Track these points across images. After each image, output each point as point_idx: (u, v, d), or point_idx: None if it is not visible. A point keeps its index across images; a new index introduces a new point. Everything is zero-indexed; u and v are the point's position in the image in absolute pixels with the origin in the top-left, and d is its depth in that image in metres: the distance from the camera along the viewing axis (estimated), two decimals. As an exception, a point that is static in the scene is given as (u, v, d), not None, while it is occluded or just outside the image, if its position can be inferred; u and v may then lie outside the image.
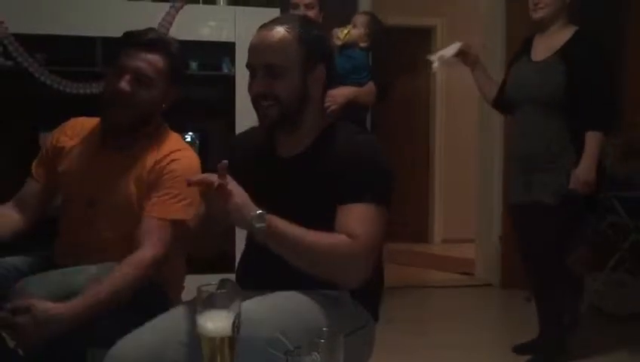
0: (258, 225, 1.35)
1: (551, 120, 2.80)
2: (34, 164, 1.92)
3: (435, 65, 3.04)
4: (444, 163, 6.44)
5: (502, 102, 3.08)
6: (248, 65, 1.54)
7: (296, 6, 3.28)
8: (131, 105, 1.74)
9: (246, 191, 1.38)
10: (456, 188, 6.21)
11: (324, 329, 1.13)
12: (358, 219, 1.44)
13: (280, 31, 1.51)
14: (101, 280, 1.61)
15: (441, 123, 6.45)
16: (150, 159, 1.78)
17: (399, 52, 6.47)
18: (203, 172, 1.54)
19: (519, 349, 3.08)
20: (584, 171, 2.74)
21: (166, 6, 3.70)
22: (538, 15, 2.86)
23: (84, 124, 1.91)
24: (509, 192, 3.04)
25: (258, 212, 1.35)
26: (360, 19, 3.48)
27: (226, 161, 1.34)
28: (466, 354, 3.13)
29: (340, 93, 3.24)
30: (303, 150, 1.56)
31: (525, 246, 3.02)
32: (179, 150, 1.80)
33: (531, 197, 2.86)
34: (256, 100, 1.53)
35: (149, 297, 1.67)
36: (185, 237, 1.69)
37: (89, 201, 1.79)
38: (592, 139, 2.75)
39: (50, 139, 1.92)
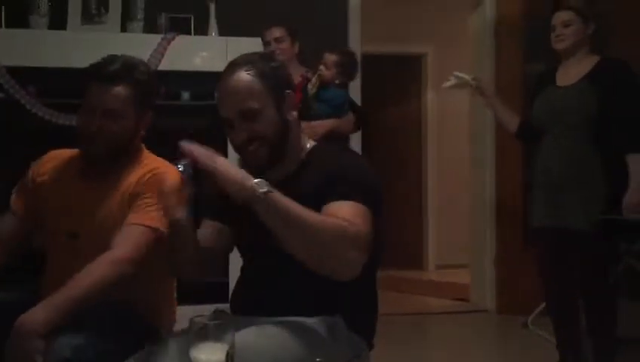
0: (260, 191, 1.30)
1: (583, 144, 2.81)
2: (12, 198, 1.91)
3: (449, 83, 3.14)
4: (437, 188, 6.45)
5: (527, 131, 3.10)
6: (223, 119, 1.55)
7: (267, 44, 3.36)
8: (103, 140, 1.76)
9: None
10: (450, 214, 6.21)
11: (318, 360, 1.11)
12: (349, 210, 1.42)
13: (241, 75, 1.53)
14: (75, 278, 1.61)
15: (434, 149, 6.47)
16: (132, 179, 1.80)
17: (390, 80, 6.55)
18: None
19: None
20: (635, 194, 2.71)
21: (158, 37, 3.73)
22: (560, 46, 2.93)
23: (62, 156, 1.92)
24: (532, 216, 3.01)
25: (257, 180, 1.32)
26: (329, 59, 3.51)
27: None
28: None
29: (320, 125, 3.32)
30: (292, 171, 1.59)
31: (550, 270, 2.98)
32: (160, 167, 1.81)
33: (561, 222, 2.84)
34: (243, 148, 1.54)
35: (136, 330, 1.66)
36: (163, 249, 1.68)
37: (72, 234, 1.80)
38: (638, 162, 2.73)
39: (29, 172, 1.92)
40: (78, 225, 1.79)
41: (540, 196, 2.96)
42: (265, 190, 1.31)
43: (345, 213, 1.41)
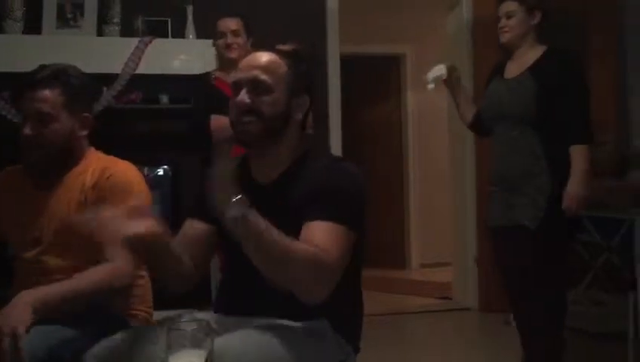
0: (235, 212, 1.30)
1: (524, 138, 2.71)
2: None
3: (431, 86, 2.97)
4: (419, 187, 6.47)
5: (478, 124, 3.01)
6: (235, 83, 1.55)
7: (222, 35, 3.23)
8: (40, 145, 1.78)
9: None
10: (432, 212, 6.24)
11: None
12: (326, 234, 1.42)
13: (271, 54, 1.57)
14: (81, 275, 1.68)
15: (414, 148, 6.49)
16: (88, 182, 1.81)
17: (369, 80, 6.57)
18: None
19: None
20: (575, 187, 2.61)
21: (134, 41, 3.71)
22: (504, 39, 2.84)
23: (12, 174, 1.94)
24: (487, 215, 2.91)
25: (237, 197, 1.30)
26: (283, 48, 3.46)
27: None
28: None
29: None
30: (279, 176, 1.57)
31: (505, 271, 2.86)
32: (110, 165, 1.84)
33: (512, 220, 2.72)
34: (238, 117, 1.53)
35: (111, 330, 1.66)
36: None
37: (34, 241, 1.82)
38: (579, 153, 2.64)
39: None
40: (39, 233, 1.82)
41: (493, 193, 2.85)
42: (242, 211, 1.30)
43: (321, 237, 1.41)
